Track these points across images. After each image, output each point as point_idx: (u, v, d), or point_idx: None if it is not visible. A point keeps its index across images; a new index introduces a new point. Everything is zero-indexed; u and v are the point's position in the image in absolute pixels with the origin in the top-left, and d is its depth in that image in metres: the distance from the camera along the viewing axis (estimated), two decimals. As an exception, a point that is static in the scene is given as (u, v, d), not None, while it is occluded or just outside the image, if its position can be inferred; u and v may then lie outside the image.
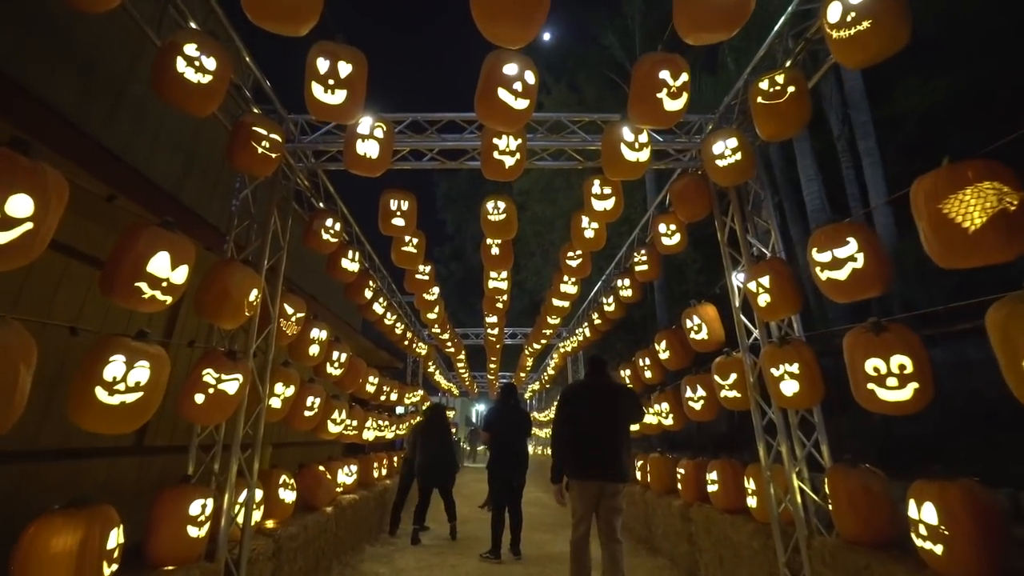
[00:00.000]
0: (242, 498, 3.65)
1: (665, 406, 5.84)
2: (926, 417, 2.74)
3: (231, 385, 3.25)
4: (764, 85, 3.37)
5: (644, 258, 6.13)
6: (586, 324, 9.69)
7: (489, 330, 9.70)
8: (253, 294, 3.56)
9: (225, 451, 3.65)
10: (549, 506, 9.77)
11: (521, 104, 3.04)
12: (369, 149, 3.80)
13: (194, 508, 3.03)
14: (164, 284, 2.60)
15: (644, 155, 3.93)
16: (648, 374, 6.42)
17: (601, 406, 3.84)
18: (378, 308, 7.53)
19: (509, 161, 3.84)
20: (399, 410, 13.76)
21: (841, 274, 2.83)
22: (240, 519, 3.60)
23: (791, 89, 3.25)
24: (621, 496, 3.72)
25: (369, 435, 7.39)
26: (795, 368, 3.38)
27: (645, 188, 19.04)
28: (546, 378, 17.28)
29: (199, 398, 3.13)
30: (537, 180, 21.98)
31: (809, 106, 3.27)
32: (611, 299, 7.68)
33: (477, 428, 25.74)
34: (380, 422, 7.96)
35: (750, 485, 4.08)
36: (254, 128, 3.63)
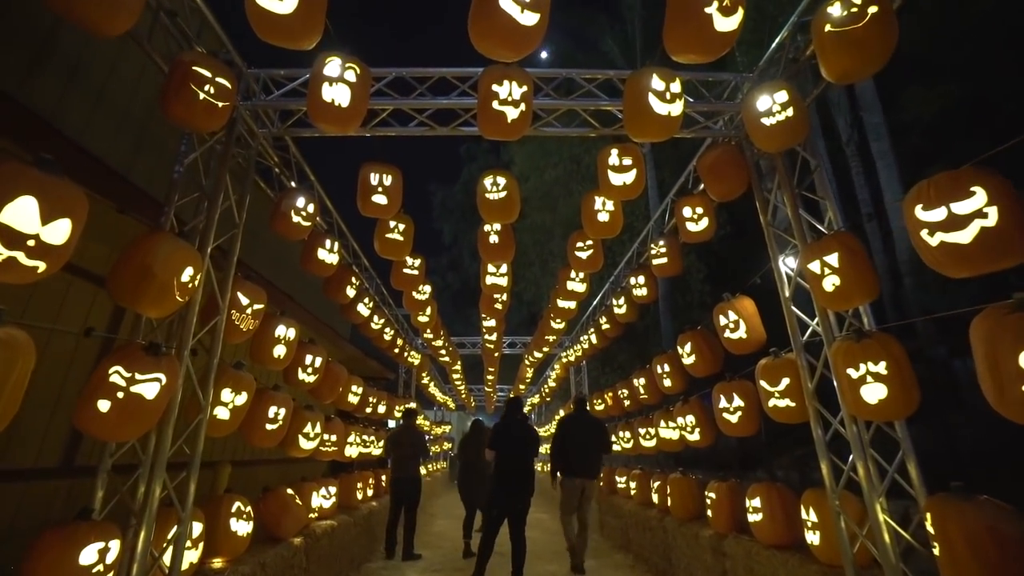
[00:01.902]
0: (172, 534, 2.86)
1: (690, 419, 5.06)
2: (1001, 425, 2.01)
3: (149, 388, 2.47)
4: (835, 10, 2.67)
5: (663, 250, 5.39)
6: (591, 330, 8.92)
7: (487, 336, 8.92)
8: (187, 274, 2.80)
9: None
10: (554, 531, 8.87)
11: (530, 19, 2.34)
12: (338, 95, 3.06)
13: (87, 555, 2.24)
14: (31, 243, 1.85)
15: (676, 108, 3.22)
16: (667, 382, 5.64)
17: (583, 432, 5.76)
18: (363, 310, 6.76)
19: (512, 113, 3.11)
20: (391, 424, 12.91)
21: (963, 236, 2.08)
22: (167, 561, 2.81)
23: (872, 10, 2.55)
24: (593, 486, 5.75)
25: (352, 451, 6.58)
26: (881, 368, 2.62)
27: (647, 194, 18.43)
28: (546, 390, 16.45)
29: (103, 405, 2.35)
30: (536, 188, 21.38)
31: (896, 31, 2.56)
32: (622, 300, 6.93)
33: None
34: (365, 437, 7.14)
35: (810, 516, 3.29)
36: (195, 68, 2.91)
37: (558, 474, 5.65)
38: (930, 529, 2.45)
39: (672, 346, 5.15)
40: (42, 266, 1.91)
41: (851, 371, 2.73)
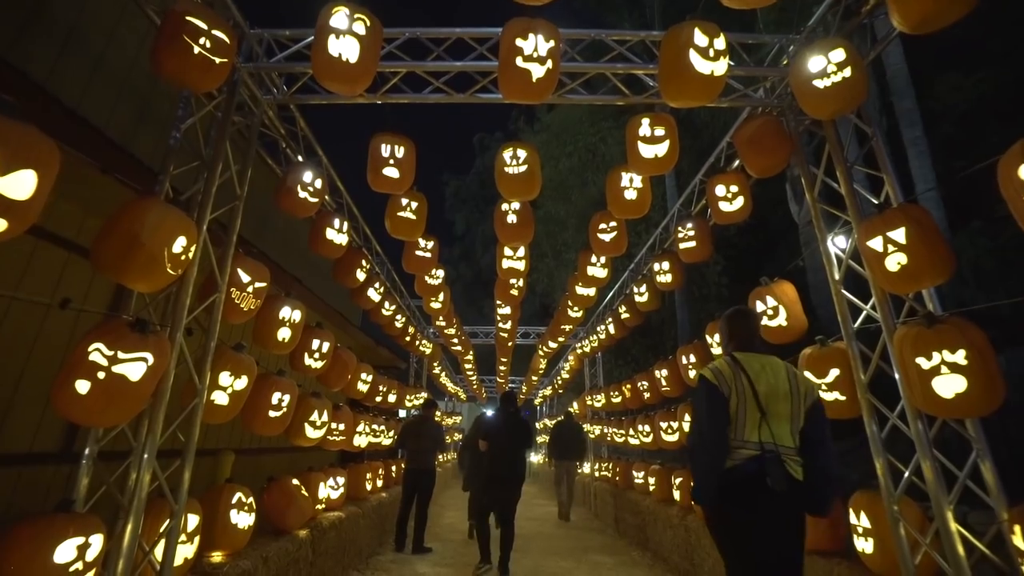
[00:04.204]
0: (164, 527, 2.64)
1: (719, 412, 4.73)
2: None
3: (133, 368, 2.23)
4: (912, -56, 2.32)
5: (691, 233, 5.05)
6: (609, 320, 8.60)
7: (501, 324, 8.63)
8: (179, 244, 2.55)
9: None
10: (573, 526, 8.61)
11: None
12: (346, 49, 2.78)
13: (64, 552, 2.01)
14: (-14, 196, 1.60)
15: (720, 67, 2.88)
16: (693, 373, 5.32)
17: (568, 433, 9.37)
18: (374, 295, 6.52)
19: (537, 71, 2.80)
20: (401, 413, 12.73)
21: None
22: (159, 555, 2.59)
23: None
24: (573, 467, 9.23)
25: (361, 441, 6.36)
26: (959, 357, 2.30)
27: (664, 183, 17.95)
28: (559, 382, 16.17)
29: (82, 386, 2.11)
30: (550, 178, 20.98)
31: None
32: (644, 288, 6.60)
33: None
34: (375, 426, 6.92)
35: (861, 521, 2.97)
36: (189, 19, 2.64)
37: (553, 458, 9.41)
38: (1019, 544, 2.13)
39: (690, 338, 4.85)
40: (2, 224, 1.66)
41: (921, 360, 2.40)
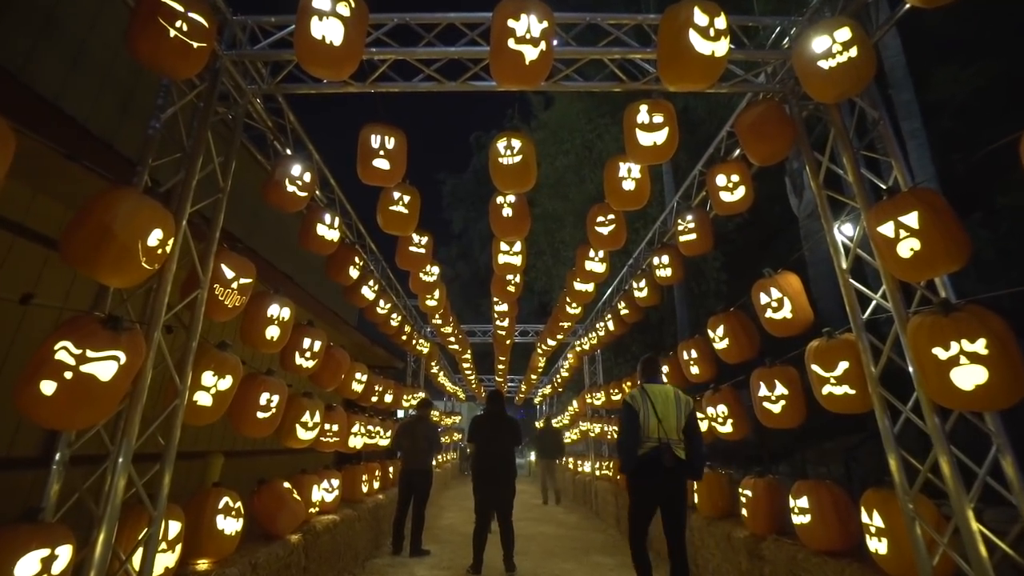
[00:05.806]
0: (143, 535, 2.51)
1: (722, 409, 4.62)
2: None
3: (103, 367, 2.09)
4: (924, -88, 2.19)
5: (691, 225, 4.93)
6: (608, 316, 8.48)
7: (498, 321, 8.49)
8: (155, 237, 2.41)
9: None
10: (574, 526, 8.49)
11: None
12: (330, 31, 2.64)
13: (27, 565, 1.88)
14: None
15: (721, 47, 2.76)
16: (695, 370, 5.20)
17: (549, 435, 12.48)
18: (368, 293, 6.38)
19: (531, 53, 2.68)
20: (399, 414, 12.59)
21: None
22: (136, 565, 2.45)
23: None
24: (554, 463, 12.53)
25: (356, 442, 6.23)
26: (979, 347, 2.17)
27: (662, 179, 17.82)
28: (559, 381, 16.05)
29: (47, 387, 1.98)
30: (547, 175, 20.84)
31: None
32: (643, 283, 6.47)
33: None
34: (370, 427, 6.78)
35: (874, 520, 2.85)
36: (164, 0, 2.51)
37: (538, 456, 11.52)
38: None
39: (690, 334, 4.74)
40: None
41: (938, 351, 2.28)
